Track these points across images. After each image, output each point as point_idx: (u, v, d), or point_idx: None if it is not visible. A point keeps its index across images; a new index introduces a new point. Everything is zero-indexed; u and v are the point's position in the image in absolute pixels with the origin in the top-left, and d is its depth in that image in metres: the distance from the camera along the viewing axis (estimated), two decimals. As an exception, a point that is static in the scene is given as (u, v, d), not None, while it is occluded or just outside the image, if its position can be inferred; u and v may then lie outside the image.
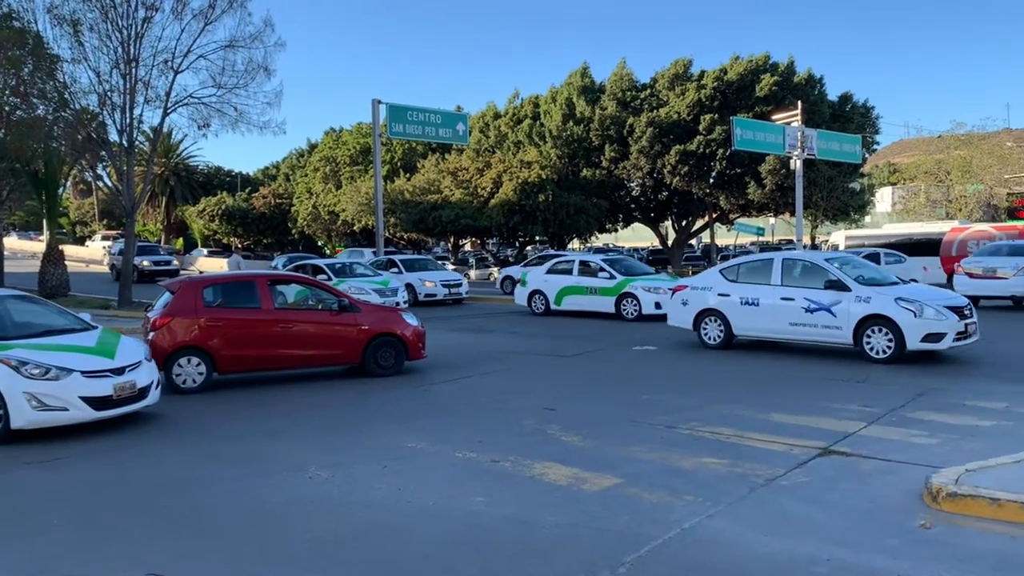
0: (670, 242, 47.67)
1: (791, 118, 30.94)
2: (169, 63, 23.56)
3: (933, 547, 4.92)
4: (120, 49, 22.84)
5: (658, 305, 18.56)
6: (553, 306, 21.12)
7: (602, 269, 20.35)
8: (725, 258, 48.20)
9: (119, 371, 8.66)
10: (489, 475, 6.66)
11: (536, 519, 5.56)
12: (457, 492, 6.21)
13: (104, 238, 57.36)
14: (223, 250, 58.45)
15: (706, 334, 14.20)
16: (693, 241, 55.57)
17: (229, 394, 10.84)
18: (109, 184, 27.85)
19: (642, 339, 15.65)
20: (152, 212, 73.87)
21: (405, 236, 47.95)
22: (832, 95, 39.48)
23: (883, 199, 65.56)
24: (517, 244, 50.90)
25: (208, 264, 47.25)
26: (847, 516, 5.50)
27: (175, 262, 41.91)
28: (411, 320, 12.43)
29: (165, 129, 26.56)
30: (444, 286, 25.66)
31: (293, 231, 59.43)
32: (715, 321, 14.06)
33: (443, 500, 6.03)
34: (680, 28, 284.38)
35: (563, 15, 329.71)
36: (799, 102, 32.07)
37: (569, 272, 21.10)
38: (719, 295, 13.97)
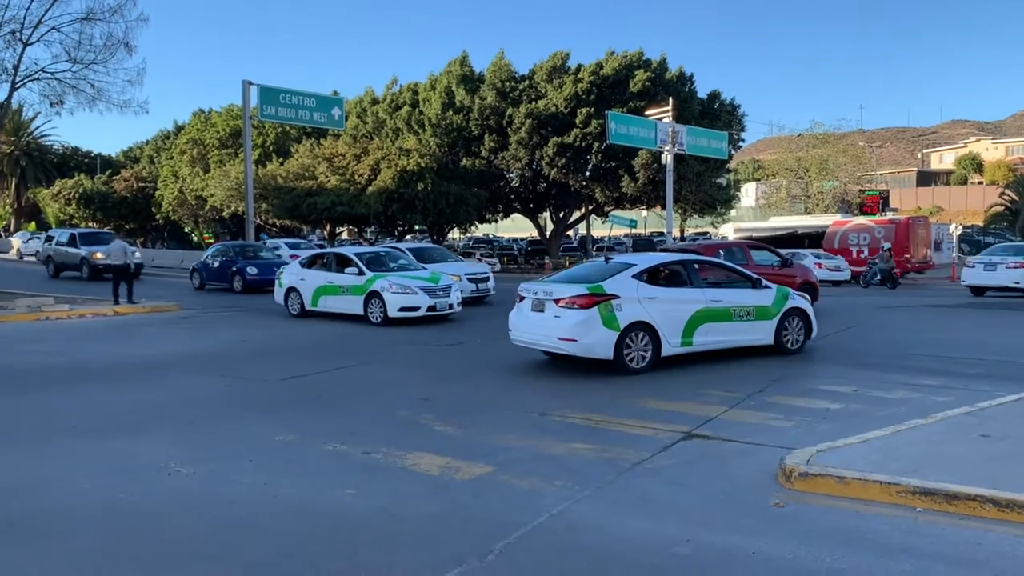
0: (548, 233, 48.39)
1: (663, 114, 31.96)
2: (17, 34, 21.94)
3: (786, 524, 5.18)
4: (-40, 16, 21.07)
5: None
6: None
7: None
8: (601, 249, 49.38)
9: None
10: (360, 467, 6.53)
11: (406, 510, 5.49)
12: (326, 485, 6.06)
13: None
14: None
15: None
16: (570, 232, 56.62)
17: (78, 387, 10.18)
18: (-52, 162, 25.65)
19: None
20: (0, 194, 68.74)
21: (277, 223, 46.57)
22: (701, 93, 41.06)
23: (748, 194, 68.76)
24: (396, 232, 50.34)
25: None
26: (707, 497, 5.71)
27: (137, 253, 35.31)
28: (815, 271, 19.36)
29: (14, 105, 24.77)
30: (471, 281, 20.93)
31: (158, 216, 56.61)
32: None
33: (311, 494, 5.87)
34: (557, 22, 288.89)
35: (441, 1, 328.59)
36: (671, 98, 33.17)
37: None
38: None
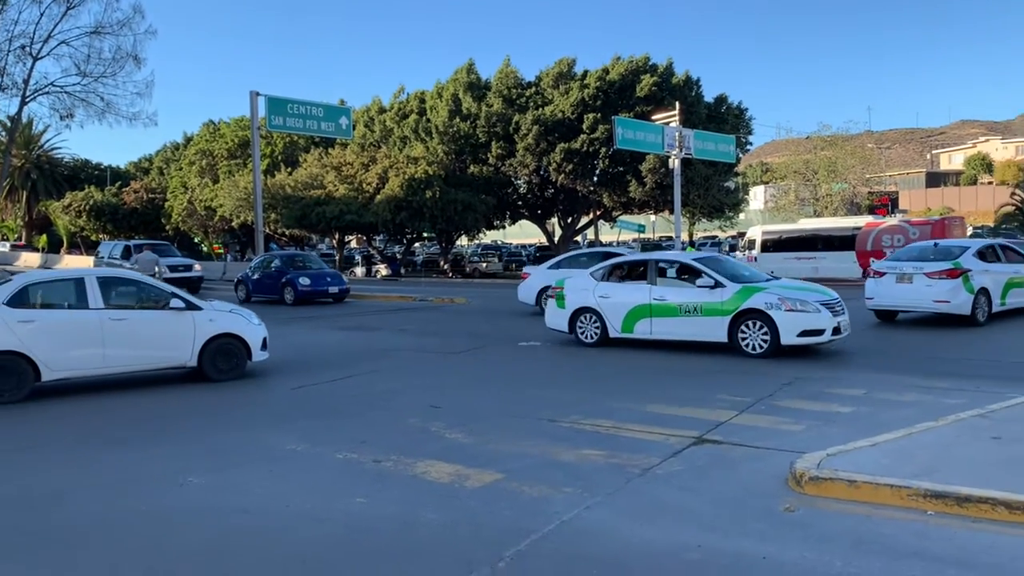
0: (556, 239, 48.39)
1: (670, 118, 31.91)
2: (27, 48, 22.18)
3: (797, 529, 5.17)
4: (-30, 32, 21.29)
5: None
6: None
7: None
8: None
9: None
10: (371, 475, 6.56)
11: (417, 518, 5.51)
12: (337, 494, 6.09)
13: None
14: (93, 247, 55.38)
15: None
16: (578, 238, 56.60)
17: (94, 397, 10.25)
18: (-40, 176, 25.90)
19: (528, 335, 15.81)
20: (11, 207, 69.38)
21: (287, 232, 46.77)
22: (708, 97, 41.03)
23: (756, 197, 68.55)
24: (404, 241, 50.48)
25: (76, 263, 44.66)
26: (718, 502, 5.71)
27: (197, 267, 31.45)
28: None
29: (24, 119, 25.00)
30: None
31: (167, 227, 56.98)
32: None
33: (323, 502, 5.90)
34: (563, 28, 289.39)
35: (447, 10, 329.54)
36: (677, 103, 33.13)
37: None
38: None
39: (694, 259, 13.59)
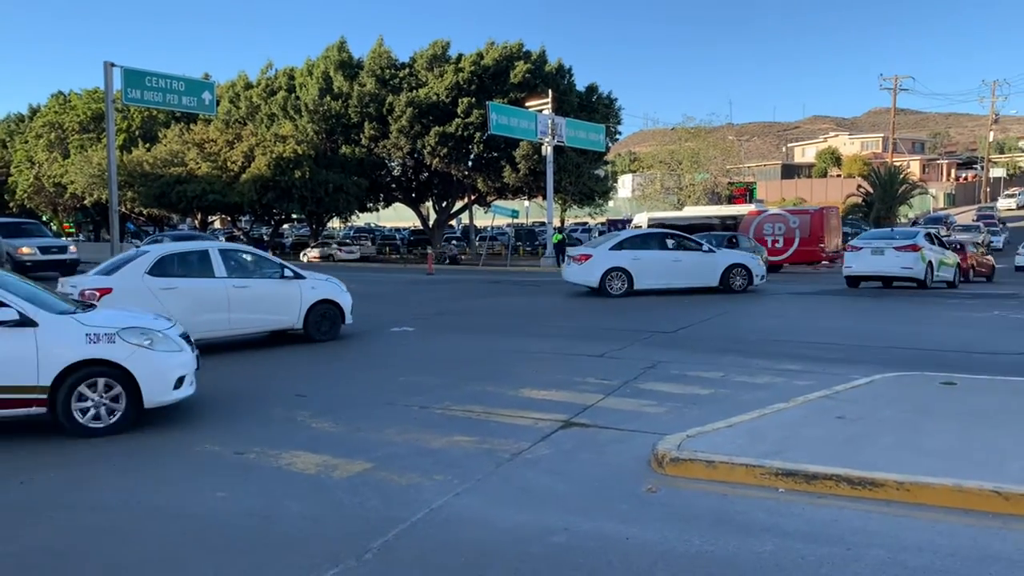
0: (431, 223, 48.14)
1: (543, 106, 32.27)
2: None
3: (659, 509, 5.33)
4: None
5: None
6: None
7: None
8: (484, 239, 49.41)
9: None
10: (232, 468, 6.30)
11: (280, 511, 5.34)
12: (195, 488, 5.81)
13: None
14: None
15: None
16: (453, 222, 56.48)
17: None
18: None
19: (401, 320, 15.65)
20: None
21: (144, 211, 44.38)
22: (580, 86, 41.75)
23: (624, 185, 70.39)
24: (272, 222, 48.93)
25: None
26: (584, 485, 5.82)
27: (72, 248, 27.68)
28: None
29: None
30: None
31: (12, 204, 52.95)
32: None
33: (179, 497, 5.62)
34: (437, 9, 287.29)
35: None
36: (550, 90, 33.55)
37: None
38: None
39: None
